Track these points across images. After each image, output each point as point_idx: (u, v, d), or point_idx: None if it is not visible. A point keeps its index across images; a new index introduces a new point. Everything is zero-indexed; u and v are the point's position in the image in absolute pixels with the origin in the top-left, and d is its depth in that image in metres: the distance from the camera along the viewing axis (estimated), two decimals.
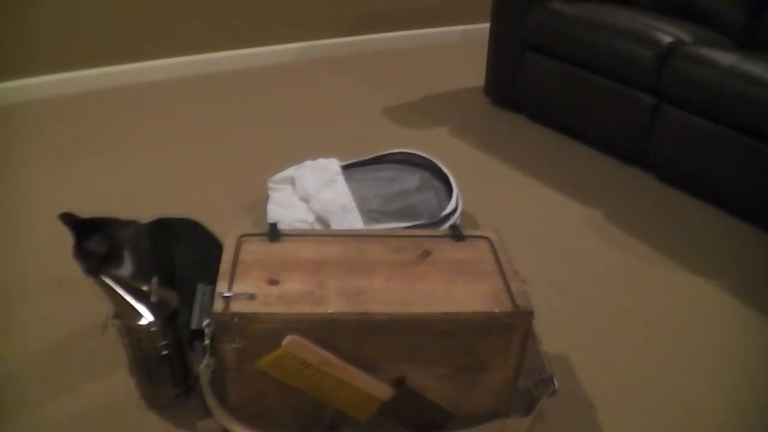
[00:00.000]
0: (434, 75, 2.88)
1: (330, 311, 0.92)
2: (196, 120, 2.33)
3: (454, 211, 1.58)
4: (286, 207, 1.63)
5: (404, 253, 1.06)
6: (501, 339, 0.97)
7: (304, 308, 0.92)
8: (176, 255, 1.21)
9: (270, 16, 2.85)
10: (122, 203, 1.76)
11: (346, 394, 0.98)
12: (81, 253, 1.17)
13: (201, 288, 1.04)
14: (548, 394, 1.05)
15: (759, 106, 1.65)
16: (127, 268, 1.19)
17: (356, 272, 1.01)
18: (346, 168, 1.73)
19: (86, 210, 1.22)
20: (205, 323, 0.94)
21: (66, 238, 1.19)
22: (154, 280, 1.08)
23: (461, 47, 3.28)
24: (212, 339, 0.93)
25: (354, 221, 1.54)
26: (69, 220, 1.18)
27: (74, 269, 1.21)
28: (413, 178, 1.69)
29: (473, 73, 2.76)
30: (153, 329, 1.05)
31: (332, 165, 1.71)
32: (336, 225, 1.53)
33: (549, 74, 2.24)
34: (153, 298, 1.06)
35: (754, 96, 1.66)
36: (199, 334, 0.96)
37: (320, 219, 1.57)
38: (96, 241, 1.16)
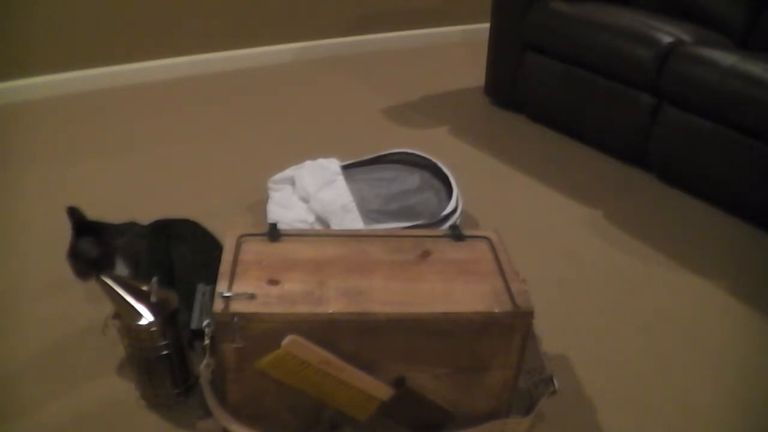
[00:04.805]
0: (434, 75, 2.88)
1: (330, 311, 0.92)
2: (196, 120, 2.33)
3: (454, 211, 1.58)
4: (286, 207, 1.63)
5: (404, 253, 1.06)
6: (501, 339, 0.97)
7: (304, 308, 0.92)
8: (176, 255, 1.21)
9: (270, 16, 2.85)
10: (122, 203, 1.76)
11: (346, 394, 0.98)
12: (74, 254, 1.18)
13: (201, 288, 1.04)
14: (548, 394, 1.05)
15: (759, 106, 1.65)
16: (120, 273, 1.19)
17: (356, 272, 1.01)
18: (346, 168, 1.73)
19: (86, 210, 1.22)
20: (205, 323, 0.94)
21: (65, 238, 1.20)
22: (154, 280, 1.08)
23: (461, 47, 3.28)
24: (212, 339, 0.93)
25: (354, 221, 1.54)
26: (74, 215, 1.19)
27: None
28: (413, 178, 1.69)
29: (473, 73, 2.76)
30: (153, 329, 1.05)
31: (332, 165, 1.71)
32: (336, 225, 1.53)
33: (549, 74, 2.24)
34: (153, 298, 1.06)
35: (754, 96, 1.66)
36: (199, 334, 0.96)
37: (320, 219, 1.57)
38: (89, 243, 1.17)
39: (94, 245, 1.17)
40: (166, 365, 1.09)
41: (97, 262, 1.18)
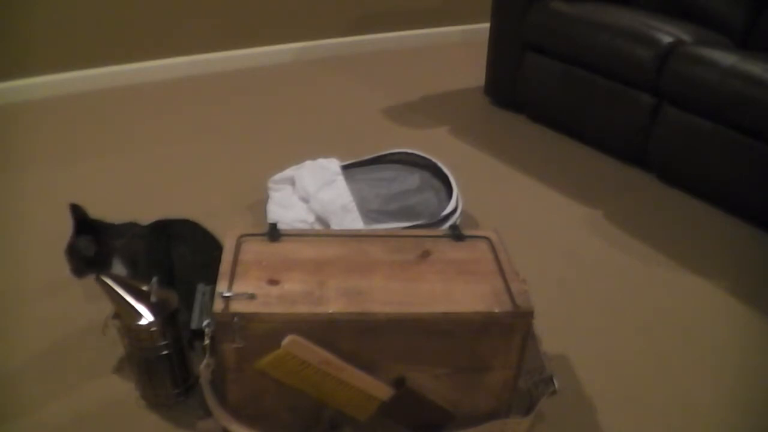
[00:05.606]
0: (434, 75, 2.88)
1: (330, 311, 0.92)
2: (196, 120, 2.33)
3: (454, 211, 1.58)
4: (286, 207, 1.63)
5: (404, 253, 1.06)
6: (501, 339, 0.97)
7: (304, 308, 0.92)
8: (176, 255, 1.21)
9: (270, 16, 2.85)
10: (122, 203, 1.76)
11: (346, 394, 0.98)
12: (72, 251, 1.18)
13: (201, 288, 1.04)
14: (548, 394, 1.05)
15: (759, 106, 1.65)
16: (118, 273, 1.19)
17: (356, 272, 1.01)
18: (346, 168, 1.73)
19: (86, 210, 1.22)
20: (205, 323, 0.94)
21: (65, 238, 1.19)
22: (154, 280, 1.08)
23: (461, 47, 3.28)
24: (212, 339, 0.93)
25: (354, 221, 1.54)
26: (77, 213, 1.19)
27: None
28: (413, 178, 1.69)
29: (473, 73, 2.76)
30: (153, 329, 1.05)
31: (332, 165, 1.71)
32: (336, 225, 1.53)
33: (549, 74, 2.24)
34: (153, 298, 1.06)
35: (754, 96, 1.66)
36: (199, 334, 0.96)
37: (320, 219, 1.57)
38: (87, 241, 1.17)
39: (92, 244, 1.17)
40: (166, 365, 1.09)
41: (93, 261, 1.18)
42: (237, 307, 0.92)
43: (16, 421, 1.09)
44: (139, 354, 1.08)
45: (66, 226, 1.19)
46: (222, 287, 0.95)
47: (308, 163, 1.74)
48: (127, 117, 2.34)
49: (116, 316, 1.06)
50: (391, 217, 1.57)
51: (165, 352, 1.08)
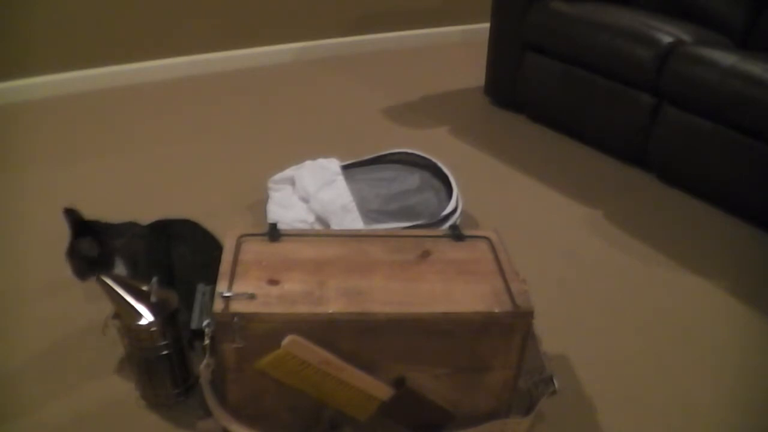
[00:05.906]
0: (434, 75, 2.88)
1: (330, 311, 0.92)
2: (196, 120, 2.33)
3: (454, 211, 1.58)
4: (286, 207, 1.63)
5: (404, 253, 1.06)
6: (501, 339, 0.97)
7: (304, 308, 0.92)
8: (176, 255, 1.21)
9: (270, 16, 2.85)
10: (122, 203, 1.76)
11: (346, 394, 0.98)
12: (73, 253, 1.18)
13: (201, 288, 1.04)
14: (548, 394, 1.05)
15: (759, 106, 1.65)
16: (120, 273, 1.19)
17: (356, 272, 1.01)
18: (346, 168, 1.73)
19: (86, 210, 1.22)
20: (205, 323, 0.94)
21: (65, 238, 1.19)
22: (154, 280, 1.08)
23: (461, 47, 3.28)
24: (212, 339, 0.93)
25: (354, 221, 1.54)
26: (71, 216, 1.19)
27: None
28: (413, 178, 1.69)
29: (473, 73, 2.76)
30: (153, 329, 1.05)
31: (332, 165, 1.71)
32: (336, 225, 1.53)
33: (549, 74, 2.24)
34: (153, 298, 1.06)
35: (754, 96, 1.66)
36: (199, 334, 0.96)
37: (320, 219, 1.57)
38: (88, 243, 1.17)
39: (94, 244, 1.17)
40: (166, 365, 1.09)
41: (96, 262, 1.18)
42: (237, 307, 0.92)
43: (16, 421, 1.09)
44: (139, 354, 1.08)
45: (66, 227, 1.19)
46: (222, 287, 0.95)
47: (308, 163, 1.74)
48: (127, 117, 2.34)
49: (116, 316, 1.06)
50: (391, 217, 1.57)
51: (165, 352, 1.08)
